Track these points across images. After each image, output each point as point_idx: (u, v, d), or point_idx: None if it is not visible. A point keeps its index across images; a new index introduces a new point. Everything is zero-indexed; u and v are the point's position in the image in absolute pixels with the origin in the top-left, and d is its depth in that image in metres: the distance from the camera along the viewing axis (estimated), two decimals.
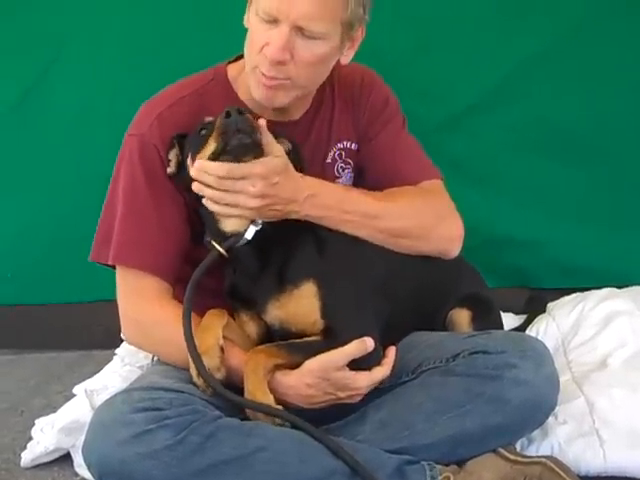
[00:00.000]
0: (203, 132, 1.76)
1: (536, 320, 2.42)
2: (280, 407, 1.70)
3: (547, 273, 2.69)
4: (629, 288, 2.49)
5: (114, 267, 1.93)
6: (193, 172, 1.72)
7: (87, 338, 2.87)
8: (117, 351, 2.46)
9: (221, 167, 1.68)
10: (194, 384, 1.71)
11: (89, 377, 2.33)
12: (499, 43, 2.59)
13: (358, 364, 1.72)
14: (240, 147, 1.67)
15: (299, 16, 1.74)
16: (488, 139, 2.67)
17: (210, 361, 1.69)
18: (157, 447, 1.56)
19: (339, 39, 1.85)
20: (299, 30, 1.77)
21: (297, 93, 1.89)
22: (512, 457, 1.72)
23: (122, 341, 2.47)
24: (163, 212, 1.88)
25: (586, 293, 2.49)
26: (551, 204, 2.67)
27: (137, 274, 1.88)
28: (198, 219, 1.87)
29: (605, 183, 2.64)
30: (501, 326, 2.13)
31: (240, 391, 1.69)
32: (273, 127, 1.79)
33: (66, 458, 2.09)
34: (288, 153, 1.82)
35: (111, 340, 2.50)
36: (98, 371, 2.38)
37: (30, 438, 2.13)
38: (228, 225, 1.78)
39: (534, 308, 2.47)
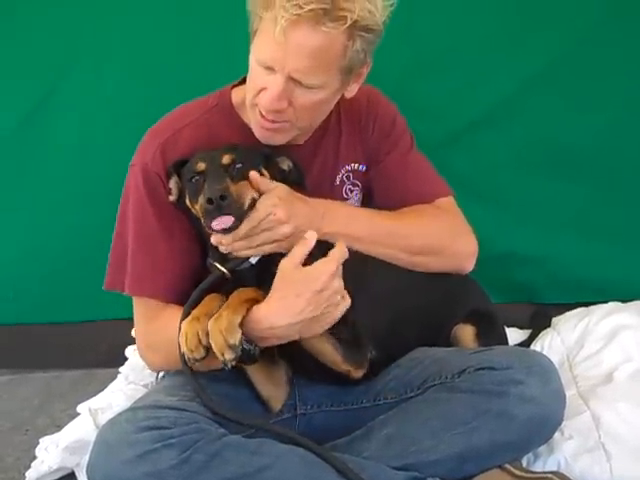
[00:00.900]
0: (194, 180, 1.77)
1: (541, 335, 2.41)
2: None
3: (551, 288, 2.68)
4: (634, 302, 2.48)
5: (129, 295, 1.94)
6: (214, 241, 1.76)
7: (90, 357, 2.86)
8: (121, 369, 2.45)
9: (244, 226, 1.72)
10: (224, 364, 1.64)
11: (93, 395, 2.32)
12: (500, 61, 2.59)
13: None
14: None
15: (293, 69, 1.72)
16: (490, 156, 2.67)
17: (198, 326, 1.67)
18: (162, 467, 1.56)
19: (339, 84, 1.83)
20: (295, 81, 1.75)
21: (298, 133, 1.89)
22: (518, 473, 1.72)
23: (126, 359, 2.49)
24: (173, 239, 1.89)
25: (591, 307, 2.48)
26: (554, 219, 2.67)
27: (151, 302, 1.89)
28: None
29: (608, 198, 2.63)
30: (506, 341, 2.13)
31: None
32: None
33: (70, 477, 2.08)
34: (289, 171, 1.84)
35: (114, 359, 2.51)
36: (102, 389, 2.37)
37: (34, 457, 2.12)
38: None
39: (539, 323, 2.46)
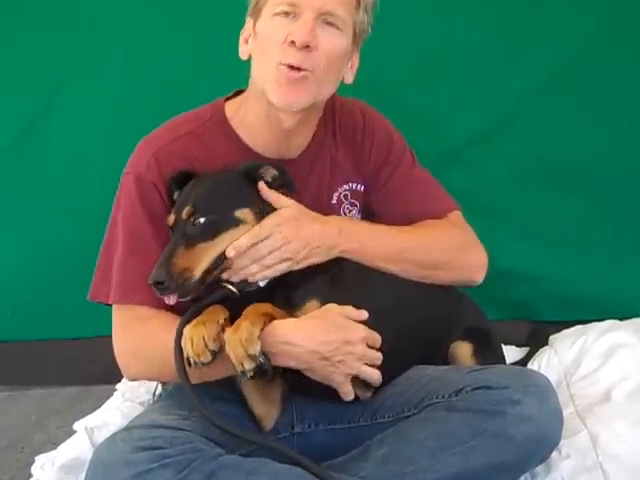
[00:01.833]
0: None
1: (538, 353, 2.41)
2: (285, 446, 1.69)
3: (548, 306, 2.69)
4: (631, 320, 2.49)
5: (110, 305, 1.91)
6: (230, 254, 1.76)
7: (87, 374, 2.86)
8: (118, 386, 2.45)
9: (246, 239, 1.74)
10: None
11: (89, 412, 2.32)
12: (498, 76, 2.61)
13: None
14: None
15: (325, 1, 1.80)
16: (488, 172, 2.68)
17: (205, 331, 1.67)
18: None
19: (351, 40, 1.89)
20: (321, 17, 1.80)
21: (315, 94, 1.86)
22: None
23: (122, 376, 2.48)
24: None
25: (588, 325, 2.48)
26: (552, 236, 2.68)
27: (138, 310, 1.86)
28: None
29: (606, 215, 2.65)
30: (503, 359, 2.13)
31: None
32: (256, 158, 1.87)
33: None
34: (274, 179, 1.83)
35: (111, 375, 2.48)
36: (98, 406, 2.37)
37: (30, 475, 2.10)
38: None
39: (536, 341, 2.46)
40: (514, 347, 2.49)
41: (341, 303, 1.77)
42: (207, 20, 2.61)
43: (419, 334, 1.97)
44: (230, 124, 1.97)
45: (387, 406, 1.86)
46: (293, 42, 1.78)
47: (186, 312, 1.73)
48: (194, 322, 1.69)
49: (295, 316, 1.76)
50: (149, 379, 2.08)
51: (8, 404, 2.80)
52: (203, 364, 1.65)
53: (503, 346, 2.19)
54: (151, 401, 2.18)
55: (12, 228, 2.88)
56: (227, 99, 2.02)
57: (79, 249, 2.74)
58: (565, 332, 2.50)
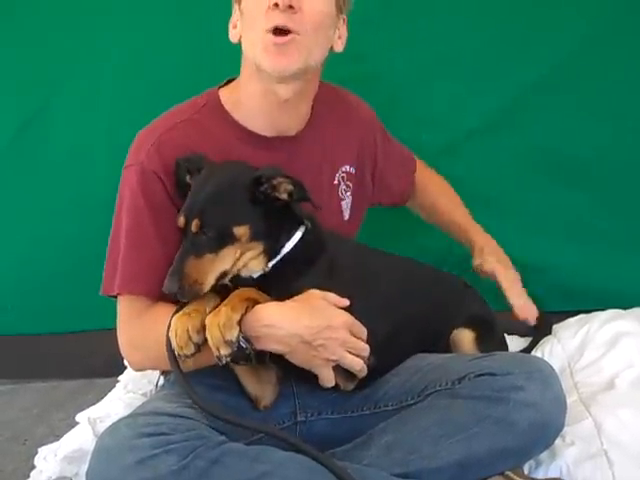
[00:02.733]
0: None
1: (541, 342, 2.41)
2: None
3: (551, 296, 2.67)
4: (634, 309, 2.48)
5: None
6: None
7: (89, 366, 2.86)
8: (120, 378, 2.45)
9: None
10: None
11: (92, 405, 2.31)
12: (500, 69, 2.60)
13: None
14: None
15: None
16: (490, 164, 2.68)
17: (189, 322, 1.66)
18: (162, 472, 1.55)
19: (334, 7, 1.90)
20: None
21: (305, 57, 1.85)
22: None
23: (125, 368, 2.48)
24: (167, 239, 1.85)
25: (591, 314, 2.47)
26: (555, 227, 2.67)
27: (142, 300, 1.86)
28: None
29: (609, 205, 2.64)
30: (505, 347, 2.14)
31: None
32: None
33: None
34: (291, 194, 1.75)
35: (113, 368, 2.50)
36: (100, 399, 2.36)
37: (33, 467, 2.10)
38: None
39: (539, 330, 2.45)
40: (517, 337, 2.48)
41: (338, 293, 1.76)
42: (203, 17, 2.59)
43: (420, 322, 1.97)
44: (225, 108, 1.97)
45: (390, 394, 1.86)
46: (276, 4, 1.79)
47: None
48: (180, 313, 1.68)
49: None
50: (152, 369, 2.09)
51: (10, 397, 2.80)
52: (186, 356, 1.65)
53: (507, 336, 2.21)
54: (153, 392, 2.17)
55: (12, 223, 2.88)
56: (220, 87, 2.02)
57: (79, 243, 2.77)
58: (568, 321, 2.49)
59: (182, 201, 1.79)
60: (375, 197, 2.27)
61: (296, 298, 1.73)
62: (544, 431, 1.73)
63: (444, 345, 2.01)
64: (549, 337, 2.43)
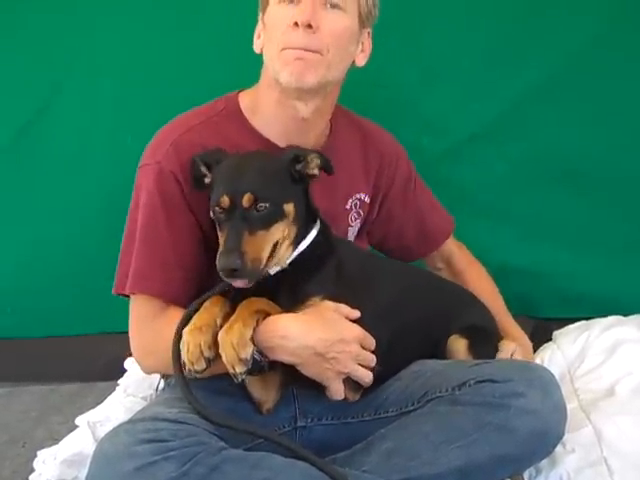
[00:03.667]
0: (218, 211, 1.71)
1: (541, 349, 2.40)
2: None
3: (551, 302, 2.68)
4: (635, 316, 2.47)
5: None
6: None
7: (89, 370, 2.85)
8: (120, 382, 2.44)
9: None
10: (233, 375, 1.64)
11: (90, 408, 2.31)
12: (501, 74, 2.60)
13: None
14: None
15: None
16: (491, 169, 2.68)
17: (201, 337, 1.65)
18: (161, 479, 1.54)
19: (357, 21, 1.91)
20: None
21: (323, 73, 1.85)
22: None
23: (124, 372, 2.47)
24: (179, 241, 1.87)
25: (591, 321, 2.47)
26: (555, 233, 2.67)
27: (155, 302, 1.87)
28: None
29: (609, 212, 2.64)
30: None
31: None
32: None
33: None
34: (321, 168, 1.80)
35: (113, 371, 2.50)
36: (99, 402, 2.35)
37: (32, 470, 2.10)
38: None
39: (539, 337, 2.45)
40: None
41: (343, 300, 1.77)
42: (205, 19, 2.60)
43: (420, 329, 1.97)
44: (244, 115, 1.97)
45: (390, 400, 1.86)
46: (296, 23, 1.80)
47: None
48: (191, 326, 1.67)
49: (296, 312, 1.75)
50: (164, 373, 2.07)
51: (9, 400, 2.78)
52: (197, 372, 1.65)
53: None
54: (154, 396, 2.17)
55: (12, 226, 2.86)
56: (239, 92, 2.02)
57: (78, 247, 2.75)
58: (568, 328, 2.49)
59: (198, 198, 1.81)
60: (378, 231, 2.24)
61: (308, 310, 1.74)
62: (544, 438, 1.72)
63: (441, 352, 2.00)
64: (549, 343, 2.43)
